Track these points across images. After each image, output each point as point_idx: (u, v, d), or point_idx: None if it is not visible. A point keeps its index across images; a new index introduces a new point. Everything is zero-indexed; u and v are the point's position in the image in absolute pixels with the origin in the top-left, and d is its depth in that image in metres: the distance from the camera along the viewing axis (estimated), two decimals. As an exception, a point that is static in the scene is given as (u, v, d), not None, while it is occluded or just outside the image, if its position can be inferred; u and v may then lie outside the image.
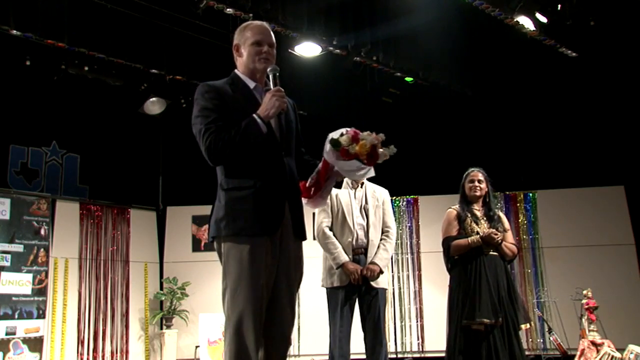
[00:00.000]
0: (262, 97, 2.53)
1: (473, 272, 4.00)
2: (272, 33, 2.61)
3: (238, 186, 2.43)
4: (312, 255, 4.85)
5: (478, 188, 4.18)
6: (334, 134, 2.52)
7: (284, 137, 2.57)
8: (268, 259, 2.40)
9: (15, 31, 5.41)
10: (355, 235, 3.95)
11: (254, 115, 2.42)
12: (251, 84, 2.58)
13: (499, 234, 4.02)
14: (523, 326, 4.04)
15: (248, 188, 2.42)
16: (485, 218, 4.15)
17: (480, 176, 4.22)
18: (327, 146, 2.49)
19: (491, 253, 4.05)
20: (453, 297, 4.09)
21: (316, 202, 2.70)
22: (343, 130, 2.53)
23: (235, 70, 2.63)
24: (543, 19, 6.00)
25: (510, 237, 4.20)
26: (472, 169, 4.29)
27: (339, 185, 2.77)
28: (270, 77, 2.51)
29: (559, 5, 5.98)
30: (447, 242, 4.16)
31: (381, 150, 2.50)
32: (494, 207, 4.23)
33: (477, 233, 4.05)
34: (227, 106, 2.46)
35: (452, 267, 4.17)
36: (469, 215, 4.14)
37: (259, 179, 2.44)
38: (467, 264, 4.05)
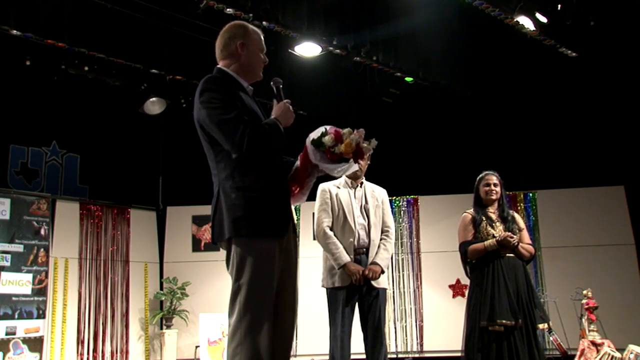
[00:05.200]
0: (253, 99, 2.59)
1: (491, 274, 4.02)
2: None
3: (253, 186, 2.42)
4: (312, 255, 4.86)
5: (494, 192, 4.20)
6: (314, 134, 2.51)
7: None
8: (280, 259, 2.44)
9: (15, 31, 5.41)
10: (357, 235, 3.94)
11: (275, 119, 2.48)
12: (244, 84, 2.59)
13: (514, 237, 4.04)
14: (541, 326, 4.05)
15: (263, 189, 2.43)
16: (500, 220, 4.17)
17: (495, 179, 4.24)
18: (310, 147, 2.49)
19: (508, 255, 4.07)
20: (471, 300, 4.11)
21: (297, 199, 2.70)
22: (323, 129, 2.52)
23: (223, 68, 2.60)
24: (543, 19, 6.00)
25: (526, 236, 4.22)
26: (486, 172, 4.30)
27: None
28: (275, 89, 2.57)
29: (559, 5, 5.98)
30: (463, 247, 4.18)
31: (364, 145, 2.51)
32: (507, 208, 4.25)
33: (493, 236, 4.07)
34: (238, 101, 2.47)
35: (471, 271, 4.20)
36: (484, 219, 4.16)
37: (271, 179, 2.47)
38: (484, 267, 4.07)
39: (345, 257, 3.86)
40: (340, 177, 2.52)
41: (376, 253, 3.93)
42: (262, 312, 2.34)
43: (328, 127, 2.51)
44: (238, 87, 2.54)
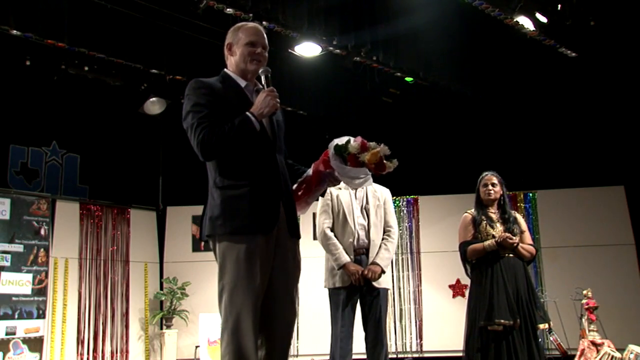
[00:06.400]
0: (252, 96, 2.55)
1: (490, 274, 4.03)
2: (265, 35, 2.62)
3: (233, 184, 2.42)
4: (312, 255, 4.86)
5: (492, 192, 4.20)
6: (339, 141, 2.52)
7: (276, 136, 2.58)
8: (264, 258, 2.40)
9: (15, 31, 5.41)
10: (356, 235, 3.94)
11: (248, 113, 2.42)
12: (242, 83, 2.58)
13: (514, 237, 4.04)
14: (541, 326, 4.06)
15: (243, 186, 2.41)
16: (500, 221, 4.18)
17: (495, 180, 4.24)
18: (332, 152, 2.49)
19: (508, 255, 4.07)
20: (471, 299, 4.12)
21: (299, 208, 2.69)
22: (348, 137, 2.53)
23: (225, 69, 2.64)
24: (543, 19, 5.99)
25: (527, 238, 4.22)
26: (486, 172, 4.31)
27: (322, 193, 2.77)
28: (263, 77, 2.53)
29: (559, 5, 5.98)
30: (463, 247, 4.19)
31: (386, 161, 2.50)
32: (509, 209, 4.26)
33: (493, 236, 4.08)
34: (219, 103, 2.46)
35: (471, 270, 4.22)
36: (484, 219, 4.17)
37: (254, 177, 2.44)
38: (484, 267, 4.08)
39: (345, 258, 3.86)
40: (354, 188, 2.50)
41: (377, 253, 3.93)
42: (244, 312, 2.32)
43: (354, 138, 2.52)
44: (231, 88, 2.54)
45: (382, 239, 4.01)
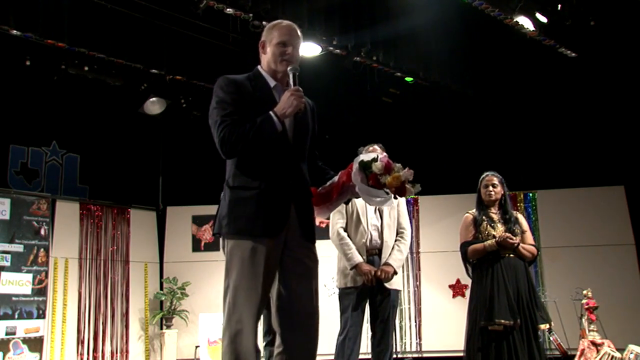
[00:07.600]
0: (280, 96, 2.52)
1: (491, 274, 4.03)
2: (299, 34, 2.61)
3: (244, 185, 2.42)
4: (313, 256, 4.87)
5: (493, 193, 4.21)
6: (365, 157, 2.50)
7: (297, 138, 2.55)
8: (270, 260, 2.39)
9: (15, 31, 5.41)
10: (369, 236, 3.94)
11: (271, 112, 2.41)
12: (272, 82, 2.57)
13: (514, 237, 4.05)
14: (542, 326, 4.06)
15: (253, 189, 2.41)
16: (501, 221, 4.18)
17: (495, 180, 4.24)
18: (356, 167, 2.47)
19: (509, 255, 4.07)
20: (472, 300, 4.13)
21: (321, 212, 2.69)
22: (374, 155, 2.51)
23: (259, 67, 2.63)
24: (543, 19, 6.00)
25: (529, 238, 4.22)
26: (487, 173, 4.31)
27: (347, 201, 2.75)
28: (290, 76, 2.52)
29: (559, 5, 5.98)
30: (463, 248, 4.20)
31: (409, 186, 2.47)
32: (510, 209, 4.26)
33: (494, 237, 4.08)
34: (244, 101, 2.46)
35: (472, 271, 4.22)
36: (485, 219, 4.17)
37: (266, 179, 2.43)
38: (485, 267, 4.09)
39: (358, 258, 3.87)
40: (372, 205, 2.43)
41: (389, 254, 3.94)
42: (246, 314, 2.33)
43: (381, 156, 2.50)
44: (260, 87, 2.54)
45: (395, 240, 4.02)
